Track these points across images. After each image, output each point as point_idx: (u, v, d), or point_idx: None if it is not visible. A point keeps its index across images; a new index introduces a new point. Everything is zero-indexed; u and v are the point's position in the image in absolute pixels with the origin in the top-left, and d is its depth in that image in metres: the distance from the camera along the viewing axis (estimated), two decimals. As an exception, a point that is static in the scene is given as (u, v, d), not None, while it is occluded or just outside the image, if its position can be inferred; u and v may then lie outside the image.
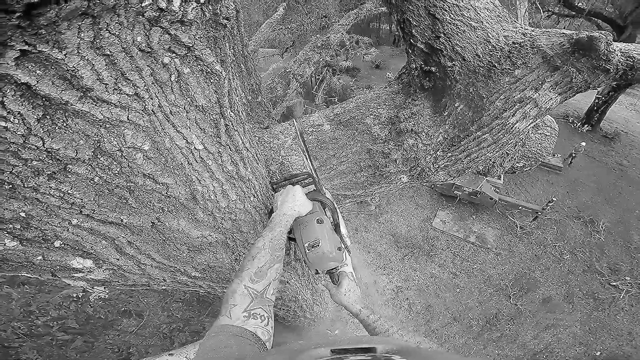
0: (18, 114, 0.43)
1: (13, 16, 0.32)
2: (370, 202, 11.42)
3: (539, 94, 1.11)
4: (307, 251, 1.14)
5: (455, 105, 1.15)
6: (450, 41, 1.01)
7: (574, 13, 16.34)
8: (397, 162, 1.29)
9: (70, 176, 0.57)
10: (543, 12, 17.77)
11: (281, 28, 12.56)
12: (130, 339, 2.83)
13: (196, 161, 0.79)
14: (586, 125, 17.69)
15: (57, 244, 0.68)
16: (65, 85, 0.44)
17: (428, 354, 0.67)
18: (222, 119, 0.82)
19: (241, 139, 0.97)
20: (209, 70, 0.68)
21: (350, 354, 0.58)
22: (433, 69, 1.11)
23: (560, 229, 11.55)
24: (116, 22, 0.44)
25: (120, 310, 3.10)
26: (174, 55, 0.57)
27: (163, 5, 0.47)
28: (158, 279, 0.99)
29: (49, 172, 0.53)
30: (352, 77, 21.18)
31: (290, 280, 1.84)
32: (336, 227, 1.22)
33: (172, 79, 0.61)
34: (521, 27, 1.14)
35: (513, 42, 1.04)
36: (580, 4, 15.83)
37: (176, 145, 0.70)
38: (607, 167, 15.30)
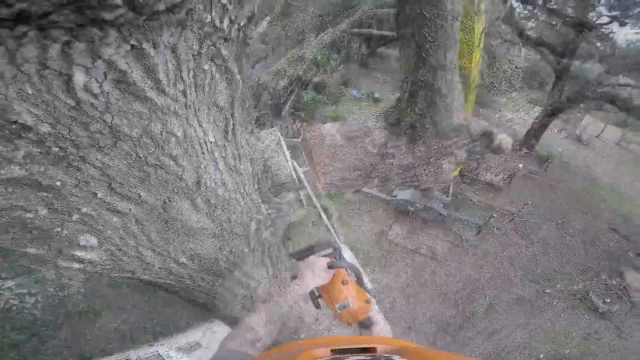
0: (107, 94, 0.53)
1: (141, 17, 0.43)
2: (330, 214, 11.76)
3: (460, 153, 1.83)
4: (339, 311, 1.22)
5: (421, 148, 1.66)
6: (433, 118, 1.55)
7: (523, 41, 17.97)
8: (377, 173, 1.66)
9: (115, 150, 0.66)
10: (499, 40, 19.90)
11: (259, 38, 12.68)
12: (112, 333, 2.68)
13: (207, 151, 0.91)
14: (524, 148, 19.66)
15: (74, 217, 0.74)
16: (146, 75, 0.55)
17: (428, 354, 0.69)
18: (231, 119, 0.95)
19: (240, 138, 1.10)
20: (231, 78, 0.82)
21: (350, 354, 0.61)
22: (418, 126, 1.60)
23: (501, 241, 12.69)
24: (190, 33, 0.57)
25: (101, 305, 2.97)
26: (212, 63, 0.70)
27: (217, 24, 0.60)
28: (148, 263, 1.06)
29: (102, 144, 0.62)
30: (319, 92, 21.66)
31: (262, 280, 1.91)
32: (359, 281, 1.32)
33: (206, 82, 0.73)
34: (466, 116, 1.84)
35: (459, 124, 1.69)
36: (529, 32, 17.47)
37: (196, 135, 0.82)
38: (540, 186, 17.17)
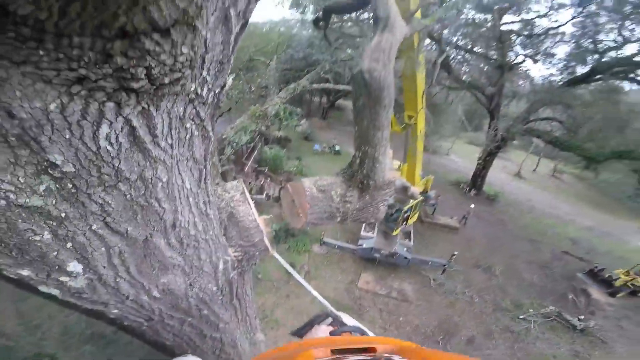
0: (120, 143, 0.71)
1: (153, 87, 0.64)
2: (300, 270, 11.64)
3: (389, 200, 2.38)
4: None
5: (367, 196, 2.18)
6: (372, 176, 2.08)
7: (458, 85, 20.15)
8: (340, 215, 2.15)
9: (115, 190, 0.80)
10: (438, 86, 22.16)
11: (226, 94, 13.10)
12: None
13: (184, 196, 1.08)
14: (473, 190, 21.43)
15: (69, 245, 0.85)
16: (148, 131, 0.74)
17: (428, 354, 0.70)
18: (204, 169, 1.15)
19: (210, 188, 1.30)
20: (206, 135, 1.03)
21: (350, 354, 0.61)
22: (364, 182, 2.10)
23: (465, 277, 13.24)
24: (180, 99, 0.78)
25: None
26: (192, 122, 0.91)
27: (199, 92, 0.83)
28: (123, 294, 1.12)
29: (106, 185, 0.77)
30: (283, 147, 22.26)
31: (230, 322, 1.95)
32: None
33: (186, 138, 0.93)
34: (394, 175, 2.37)
35: (389, 181, 2.24)
36: (465, 77, 19.47)
37: (176, 182, 0.98)
38: (492, 223, 18.42)
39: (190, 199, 1.16)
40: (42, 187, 0.67)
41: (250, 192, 14.70)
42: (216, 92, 0.95)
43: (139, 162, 0.78)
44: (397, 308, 11.32)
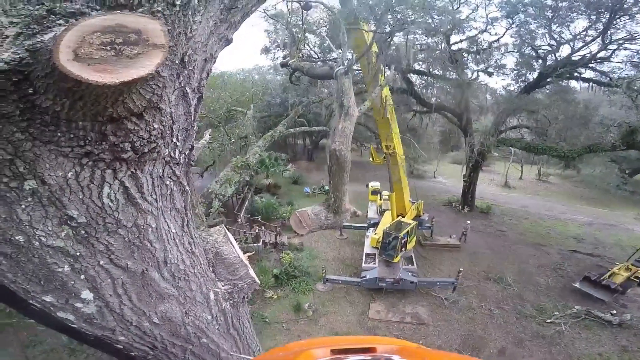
0: (118, 200, 0.98)
1: (137, 156, 0.94)
2: (306, 308, 11.42)
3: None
4: None
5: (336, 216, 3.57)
6: (339, 206, 3.47)
7: (427, 109, 21.06)
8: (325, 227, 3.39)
9: (116, 234, 1.05)
10: (410, 112, 22.96)
11: (205, 148, 13.51)
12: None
13: (171, 238, 1.34)
14: (466, 207, 21.67)
15: (82, 277, 1.10)
16: (137, 189, 1.02)
17: (428, 354, 0.74)
18: (185, 217, 1.43)
19: (193, 231, 1.58)
20: (183, 189, 1.32)
21: (351, 354, 0.62)
22: (335, 209, 3.58)
23: (478, 291, 13.00)
24: (159, 162, 1.08)
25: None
26: (170, 180, 1.20)
27: (172, 155, 1.13)
28: (127, 321, 1.33)
29: (109, 231, 1.03)
30: (273, 194, 22.43)
31: (231, 354, 2.10)
32: None
33: (167, 192, 1.21)
34: (348, 205, 3.68)
35: (347, 209, 3.60)
36: (432, 100, 20.35)
37: (163, 227, 1.25)
38: (492, 235, 18.44)
39: (177, 240, 1.43)
40: (63, 233, 0.95)
41: (246, 241, 14.72)
42: (186, 153, 1.26)
43: (133, 213, 1.07)
44: (415, 332, 11.06)
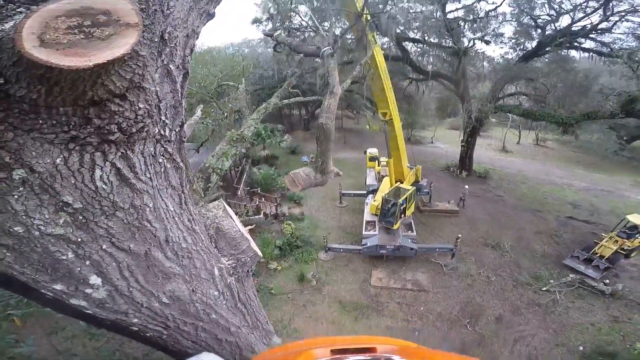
0: (111, 182, 0.96)
1: (125, 136, 0.91)
2: (310, 278, 11.78)
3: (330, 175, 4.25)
4: None
5: (323, 175, 3.60)
6: (325, 168, 4.28)
7: (423, 77, 20.98)
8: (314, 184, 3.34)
9: (114, 217, 1.04)
10: (406, 80, 22.74)
11: (199, 124, 13.39)
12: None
13: (170, 217, 1.34)
14: (464, 172, 21.78)
15: (87, 262, 1.10)
16: (130, 170, 1.00)
17: (428, 354, 0.72)
18: (182, 194, 1.41)
19: (192, 208, 1.56)
20: (177, 165, 1.29)
21: (351, 354, 0.63)
22: (322, 170, 4.09)
23: (477, 258, 13.29)
24: (149, 141, 1.05)
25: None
26: (163, 157, 1.17)
27: (162, 133, 1.10)
28: (138, 303, 1.37)
29: (107, 214, 1.02)
30: (271, 165, 22.49)
31: (241, 327, 2.16)
32: None
33: (161, 170, 1.19)
34: (333, 167, 4.41)
35: (331, 170, 4.38)
36: (429, 67, 20.25)
37: (161, 206, 1.24)
38: (490, 200, 18.64)
39: (176, 218, 1.43)
40: (61, 220, 0.94)
41: (247, 214, 14.90)
42: (177, 130, 1.23)
43: (129, 194, 1.05)
44: (416, 299, 11.42)
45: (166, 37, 0.96)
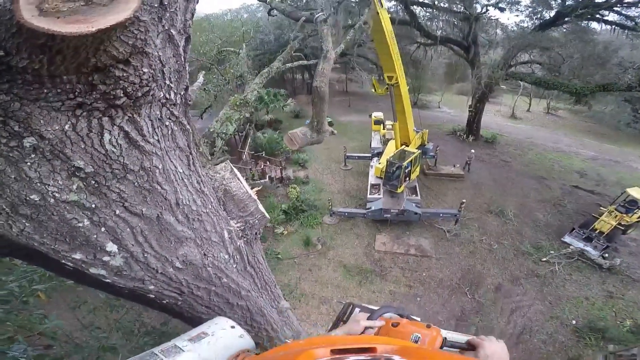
0: (120, 145, 0.97)
1: (131, 101, 0.90)
2: (316, 242, 12.12)
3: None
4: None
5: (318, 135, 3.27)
6: (320, 127, 4.51)
7: (432, 41, 20.29)
8: (309, 142, 3.58)
9: (126, 180, 1.07)
10: (414, 44, 22.08)
11: (202, 90, 13.25)
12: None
13: (179, 178, 1.35)
14: (471, 136, 21.55)
15: (102, 229, 1.14)
16: (138, 133, 1.00)
17: (428, 354, 0.70)
18: (190, 155, 1.41)
19: (200, 170, 1.57)
20: (184, 127, 1.28)
21: (351, 354, 0.61)
22: (317, 129, 4.49)
23: (480, 225, 13.41)
24: (155, 104, 1.03)
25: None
26: (170, 120, 1.16)
27: (167, 96, 1.08)
28: (153, 269, 1.43)
29: (119, 176, 1.04)
30: (275, 129, 22.38)
31: (251, 290, 2.25)
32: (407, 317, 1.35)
33: (169, 133, 1.18)
34: (327, 126, 4.54)
35: (326, 129, 4.59)
36: (438, 32, 19.57)
37: (170, 168, 1.26)
38: (496, 165, 18.56)
39: (185, 180, 1.44)
40: (74, 186, 0.96)
41: (252, 178, 15.08)
42: (182, 94, 1.20)
43: (138, 157, 1.06)
44: (419, 264, 11.66)
45: (165, 3, 0.93)
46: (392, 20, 11.60)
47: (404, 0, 16.76)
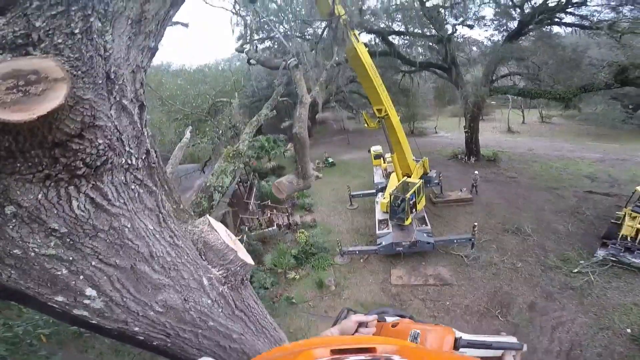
0: (88, 210, 1.16)
1: (92, 170, 1.11)
2: (329, 284, 11.82)
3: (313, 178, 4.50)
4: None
5: (304, 180, 3.65)
6: (306, 173, 4.66)
7: (414, 68, 21.14)
8: (296, 190, 4.29)
9: (97, 238, 1.23)
10: (399, 73, 22.90)
11: (197, 144, 13.65)
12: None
13: (150, 234, 1.51)
14: (472, 157, 21.58)
15: (81, 277, 1.29)
16: (103, 198, 1.20)
17: (428, 354, 0.70)
18: (160, 214, 1.59)
19: (173, 226, 1.75)
20: (150, 190, 1.48)
21: (350, 354, 0.61)
22: (303, 176, 4.45)
23: (498, 245, 12.83)
24: (117, 171, 1.24)
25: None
26: (134, 184, 1.36)
27: (129, 162, 1.30)
28: (133, 312, 1.55)
29: (90, 235, 1.21)
30: (278, 176, 22.78)
31: (245, 333, 2.30)
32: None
33: (135, 195, 1.37)
34: (312, 171, 5.05)
35: (311, 173, 4.90)
36: (419, 58, 20.37)
37: (139, 226, 1.43)
38: (502, 183, 18.30)
39: (157, 235, 1.60)
40: (52, 243, 1.14)
41: (260, 226, 15.15)
42: (143, 157, 1.42)
43: (106, 218, 1.24)
44: (440, 294, 11.11)
45: (112, 77, 1.12)
46: (373, 53, 12.20)
47: (381, 32, 17.62)
